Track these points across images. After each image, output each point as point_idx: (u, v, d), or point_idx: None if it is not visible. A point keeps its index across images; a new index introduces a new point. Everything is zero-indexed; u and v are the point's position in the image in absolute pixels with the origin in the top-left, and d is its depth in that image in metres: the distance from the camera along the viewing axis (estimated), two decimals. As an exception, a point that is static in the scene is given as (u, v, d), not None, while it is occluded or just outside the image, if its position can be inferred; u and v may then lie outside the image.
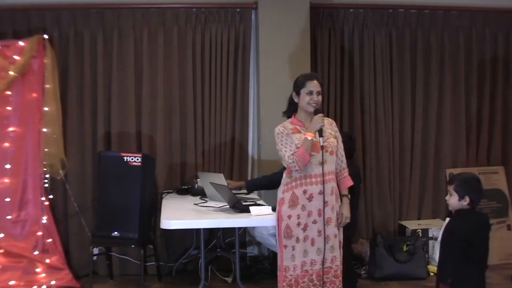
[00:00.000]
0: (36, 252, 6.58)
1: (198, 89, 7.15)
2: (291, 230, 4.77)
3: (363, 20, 7.45)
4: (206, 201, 6.04)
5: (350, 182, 5.05)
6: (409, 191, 7.57)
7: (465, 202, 4.29)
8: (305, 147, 4.68)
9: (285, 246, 4.80)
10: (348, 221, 4.99)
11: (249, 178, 7.20)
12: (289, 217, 4.77)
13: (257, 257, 7.11)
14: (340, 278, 4.95)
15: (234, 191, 5.90)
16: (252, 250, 7.22)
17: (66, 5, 6.99)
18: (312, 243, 4.83)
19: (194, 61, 7.15)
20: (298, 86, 4.87)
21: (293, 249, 4.79)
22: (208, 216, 5.36)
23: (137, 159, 6.32)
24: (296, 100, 4.89)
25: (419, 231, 7.05)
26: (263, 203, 5.74)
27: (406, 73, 7.56)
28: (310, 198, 4.77)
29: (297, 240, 4.79)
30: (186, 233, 6.95)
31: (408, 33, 7.55)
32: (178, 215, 5.47)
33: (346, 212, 4.96)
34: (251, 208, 5.25)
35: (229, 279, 6.69)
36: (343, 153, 5.00)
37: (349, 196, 5.05)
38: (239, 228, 6.14)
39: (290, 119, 4.95)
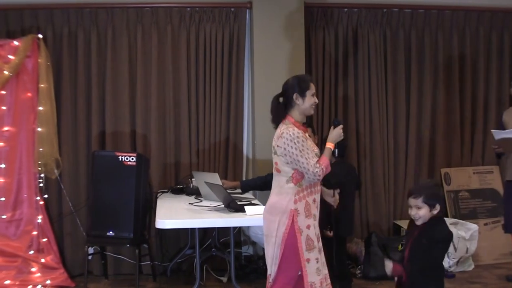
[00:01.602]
0: (31, 252, 6.56)
1: (192, 89, 7.16)
2: (313, 241, 4.39)
3: (357, 20, 7.47)
4: (201, 201, 6.03)
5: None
6: (404, 191, 7.54)
7: (436, 210, 4.19)
8: (328, 156, 4.43)
9: (308, 260, 4.35)
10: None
11: (243, 177, 7.22)
12: (308, 227, 4.38)
13: (252, 257, 7.11)
14: None
15: (228, 191, 5.90)
16: (247, 250, 7.22)
17: (60, 4, 6.98)
18: None
19: (188, 61, 7.16)
20: (303, 87, 4.47)
21: (317, 262, 4.40)
22: (203, 216, 5.34)
23: (132, 159, 6.31)
24: (297, 101, 4.45)
25: (413, 230, 7.05)
26: (258, 203, 5.73)
27: (400, 73, 7.57)
28: (317, 206, 4.51)
29: (320, 251, 4.44)
30: (180, 232, 6.97)
31: (402, 32, 7.57)
32: (173, 214, 5.46)
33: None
34: (246, 207, 5.24)
35: (224, 279, 6.69)
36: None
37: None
38: (234, 228, 6.14)
39: (291, 123, 4.47)
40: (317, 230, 4.45)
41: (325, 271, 4.48)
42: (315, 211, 4.46)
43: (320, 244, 4.48)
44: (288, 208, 4.36)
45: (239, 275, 6.57)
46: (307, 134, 4.54)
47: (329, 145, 4.49)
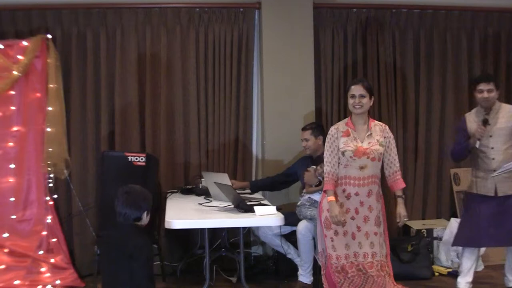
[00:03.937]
0: (41, 252, 6.56)
1: (201, 89, 7.16)
2: (329, 223, 5.08)
3: (366, 20, 7.45)
4: (211, 201, 6.04)
5: (402, 184, 5.31)
6: (413, 191, 7.55)
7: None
8: (331, 207, 5.04)
9: (325, 236, 5.13)
10: (406, 219, 5.27)
11: (253, 178, 7.23)
12: (328, 210, 5.07)
13: (262, 257, 7.12)
14: (386, 273, 5.13)
15: (238, 191, 5.90)
16: (256, 250, 7.23)
17: (68, 4, 6.99)
18: (353, 238, 5.12)
19: (197, 61, 7.16)
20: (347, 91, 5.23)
21: (332, 240, 5.11)
22: (212, 216, 5.35)
23: (141, 159, 6.32)
24: None
25: (423, 231, 7.04)
26: (268, 203, 5.74)
27: (409, 73, 7.56)
28: (348, 197, 5.12)
29: (336, 233, 5.11)
30: (190, 233, 6.96)
31: (411, 33, 7.55)
32: (183, 215, 5.46)
33: (402, 211, 5.23)
34: (255, 208, 5.24)
35: (234, 279, 6.68)
36: (395, 157, 5.28)
37: (403, 196, 5.33)
38: (244, 228, 6.13)
39: (346, 119, 5.28)
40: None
41: (347, 251, 5.12)
42: (344, 199, 5.17)
43: (347, 229, 5.14)
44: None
45: (249, 275, 6.54)
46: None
47: (331, 199, 5.10)
